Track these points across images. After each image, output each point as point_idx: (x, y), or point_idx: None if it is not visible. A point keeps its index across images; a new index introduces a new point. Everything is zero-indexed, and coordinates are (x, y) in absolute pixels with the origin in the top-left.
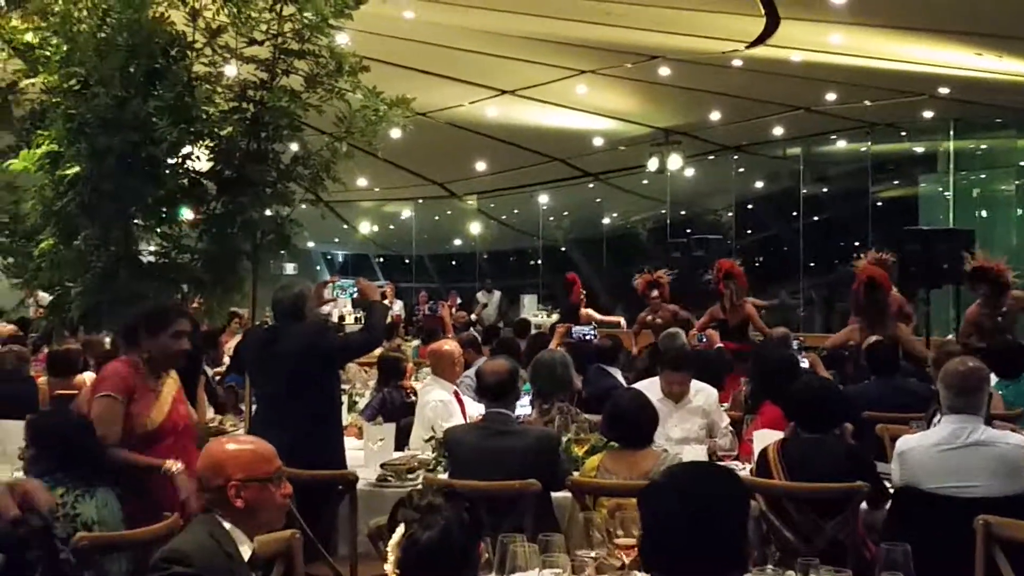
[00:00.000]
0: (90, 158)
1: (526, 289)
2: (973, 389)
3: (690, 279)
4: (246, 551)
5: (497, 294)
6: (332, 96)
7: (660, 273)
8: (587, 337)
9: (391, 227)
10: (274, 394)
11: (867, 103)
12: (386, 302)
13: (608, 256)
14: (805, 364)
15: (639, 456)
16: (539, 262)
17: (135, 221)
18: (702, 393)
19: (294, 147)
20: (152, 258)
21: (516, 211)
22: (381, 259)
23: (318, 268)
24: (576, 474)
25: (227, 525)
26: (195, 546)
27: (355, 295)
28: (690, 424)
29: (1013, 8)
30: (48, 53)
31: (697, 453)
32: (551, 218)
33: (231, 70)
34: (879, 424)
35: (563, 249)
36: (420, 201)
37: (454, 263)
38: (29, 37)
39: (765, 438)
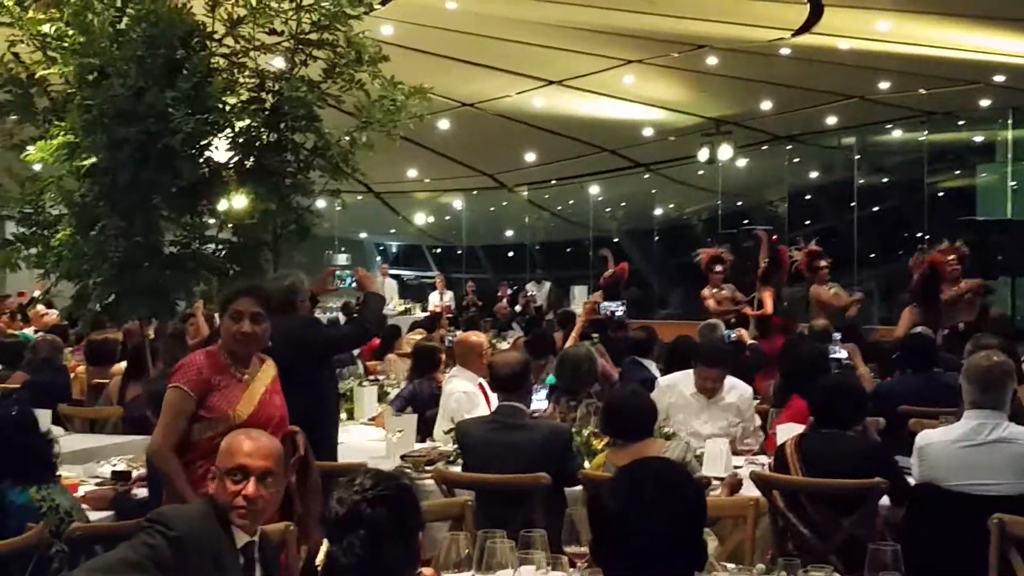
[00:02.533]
0: (107, 148)
1: (578, 280)
2: (997, 384)
3: (739, 271)
4: (241, 538)
5: (547, 285)
6: (351, 86)
7: (723, 250)
8: (614, 313)
9: (446, 218)
10: None
11: (922, 91)
12: (436, 294)
13: (660, 247)
14: (843, 355)
15: (641, 447)
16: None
17: (161, 212)
18: (736, 390)
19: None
20: (174, 248)
21: (570, 202)
22: (438, 250)
23: (377, 259)
24: (588, 466)
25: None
26: (180, 515)
27: (354, 285)
28: (722, 421)
29: None
30: (65, 44)
31: (719, 445)
32: (607, 209)
33: (261, 61)
34: (912, 419)
35: (615, 240)
36: (475, 193)
37: (509, 254)
38: (45, 28)
39: (788, 432)
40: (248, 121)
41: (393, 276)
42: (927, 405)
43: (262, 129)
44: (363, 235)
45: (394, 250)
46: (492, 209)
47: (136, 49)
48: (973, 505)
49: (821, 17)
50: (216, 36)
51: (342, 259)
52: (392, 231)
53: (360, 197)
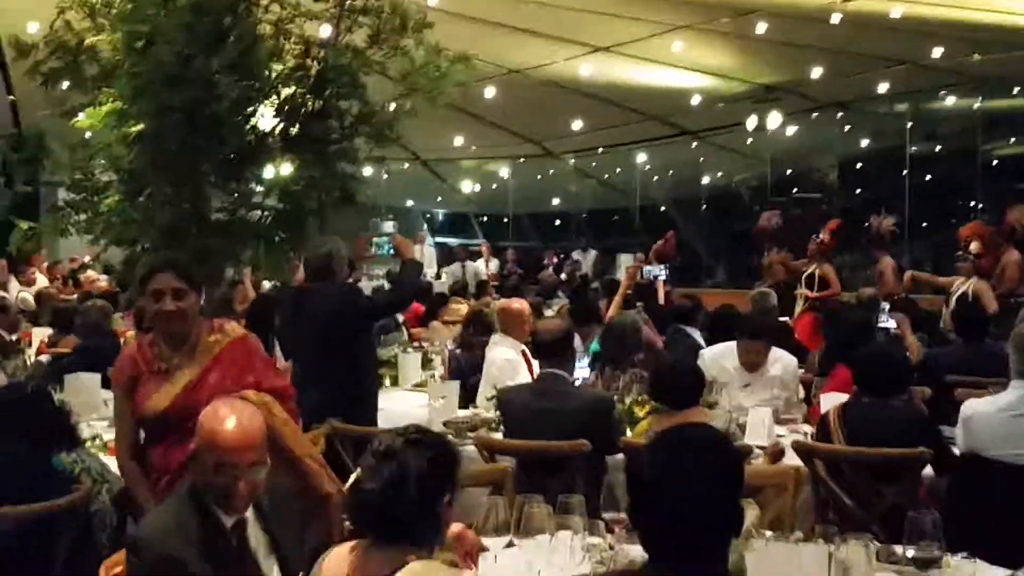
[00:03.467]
0: (154, 115)
1: (624, 248)
2: None
3: (787, 238)
4: (229, 518)
5: (593, 253)
6: (395, 53)
7: None
8: (656, 277)
9: (493, 186)
10: (306, 355)
11: (976, 57)
12: (481, 262)
13: (707, 216)
14: (892, 325)
15: (684, 415)
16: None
17: (208, 179)
18: (780, 363)
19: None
20: (221, 215)
21: (617, 170)
22: (485, 218)
23: (424, 228)
24: (629, 434)
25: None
26: (152, 529)
27: (391, 252)
28: (765, 394)
29: None
30: (113, 11)
31: (761, 414)
32: (655, 177)
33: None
34: (959, 389)
35: (663, 208)
36: (521, 160)
37: (556, 223)
38: None
39: (833, 401)
40: (293, 88)
41: (439, 244)
42: (976, 375)
43: (307, 96)
44: (410, 203)
45: (441, 218)
46: (539, 177)
47: (183, 16)
48: (1017, 475)
49: None
50: (262, 3)
51: (388, 227)
52: (439, 199)
53: (407, 165)
